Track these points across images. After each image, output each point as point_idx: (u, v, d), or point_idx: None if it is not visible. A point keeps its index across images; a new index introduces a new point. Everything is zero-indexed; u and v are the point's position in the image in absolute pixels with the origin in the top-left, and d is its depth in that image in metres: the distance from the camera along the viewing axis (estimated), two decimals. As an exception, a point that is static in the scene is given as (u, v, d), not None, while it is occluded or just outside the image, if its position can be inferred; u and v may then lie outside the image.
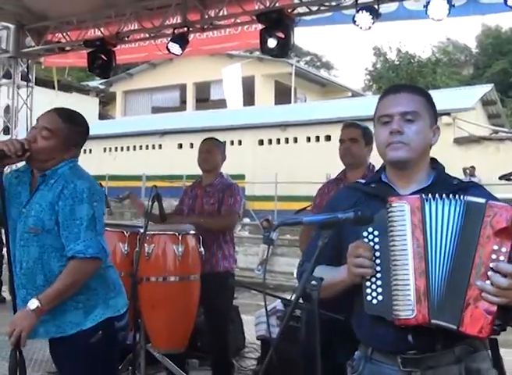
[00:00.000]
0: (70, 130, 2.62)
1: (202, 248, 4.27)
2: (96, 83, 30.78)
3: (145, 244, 4.08)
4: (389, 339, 1.85)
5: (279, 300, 4.69)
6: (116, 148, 25.91)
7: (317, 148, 19.81)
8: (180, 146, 23.40)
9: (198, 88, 30.54)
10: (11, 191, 2.63)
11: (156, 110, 31.35)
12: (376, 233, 1.81)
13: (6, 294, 8.11)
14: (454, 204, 1.76)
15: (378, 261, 1.79)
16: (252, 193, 18.97)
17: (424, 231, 1.75)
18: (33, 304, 2.41)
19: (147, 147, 25.14)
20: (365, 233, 1.82)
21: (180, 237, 4.16)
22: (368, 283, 1.80)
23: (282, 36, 6.36)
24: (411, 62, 35.16)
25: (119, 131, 25.54)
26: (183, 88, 30.92)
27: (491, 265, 1.65)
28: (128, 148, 25.59)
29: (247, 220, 16.88)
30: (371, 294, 1.80)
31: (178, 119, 25.20)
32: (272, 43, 6.41)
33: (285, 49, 6.56)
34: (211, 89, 30.14)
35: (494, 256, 1.66)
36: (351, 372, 1.99)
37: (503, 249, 1.65)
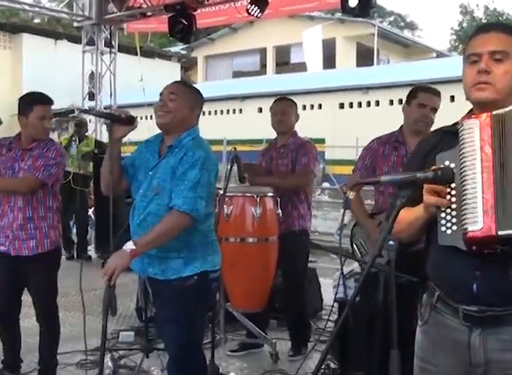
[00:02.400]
0: (191, 92, 3.07)
1: (280, 210, 4.28)
2: (178, 48, 31.14)
3: (224, 206, 4.15)
4: (456, 282, 1.84)
5: (357, 263, 4.66)
6: (198, 112, 26.22)
7: (400, 112, 19.15)
8: (260, 110, 23.37)
9: (278, 52, 30.34)
10: (141, 158, 3.06)
11: (237, 74, 31.41)
12: (453, 165, 1.79)
13: (92, 253, 8.45)
14: None
15: (453, 192, 1.78)
16: (332, 157, 18.76)
17: (494, 146, 1.71)
18: (130, 246, 2.73)
19: (227, 111, 25.31)
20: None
21: (258, 199, 4.20)
22: (443, 215, 1.80)
23: (364, -6, 6.21)
24: (500, 21, 33.61)
25: (201, 96, 25.77)
26: (263, 52, 30.80)
27: None
28: (209, 113, 25.81)
29: (326, 185, 16.74)
30: (445, 224, 1.80)
31: (258, 83, 25.12)
32: (353, 2, 6.26)
33: (366, 9, 6.42)
34: (291, 52, 29.89)
35: None
36: (420, 319, 2.01)
37: None
